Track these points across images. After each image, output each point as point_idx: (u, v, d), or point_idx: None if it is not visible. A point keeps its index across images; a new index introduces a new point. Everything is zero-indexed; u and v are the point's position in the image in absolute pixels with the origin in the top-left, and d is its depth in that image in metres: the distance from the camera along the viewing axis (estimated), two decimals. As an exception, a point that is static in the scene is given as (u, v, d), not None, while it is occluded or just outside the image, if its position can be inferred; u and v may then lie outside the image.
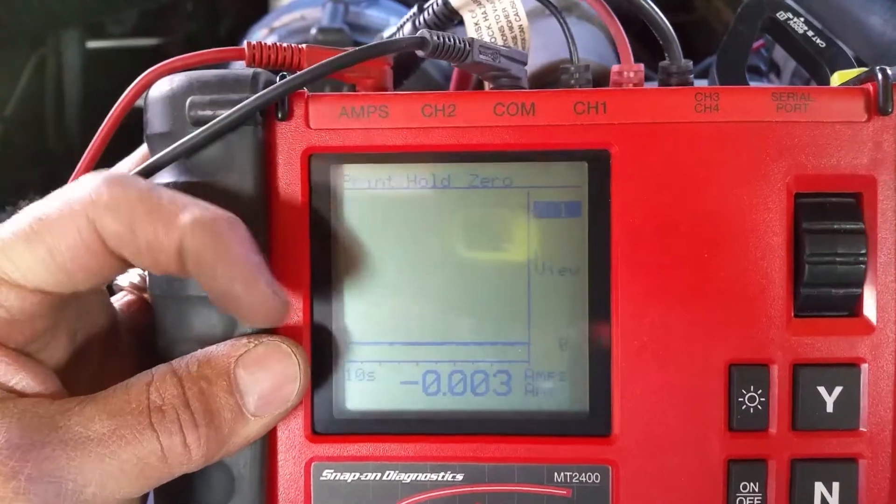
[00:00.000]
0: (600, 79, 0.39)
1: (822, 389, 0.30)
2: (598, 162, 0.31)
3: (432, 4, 0.37)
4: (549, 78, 0.48)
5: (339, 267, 0.31)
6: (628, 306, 0.30)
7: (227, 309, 0.27)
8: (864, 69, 0.32)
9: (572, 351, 0.31)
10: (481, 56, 0.32)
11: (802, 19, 0.35)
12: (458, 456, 0.31)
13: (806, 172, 0.30)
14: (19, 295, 0.26)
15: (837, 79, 0.32)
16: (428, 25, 0.37)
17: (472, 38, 0.32)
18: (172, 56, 0.32)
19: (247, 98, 0.29)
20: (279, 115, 0.30)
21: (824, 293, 0.30)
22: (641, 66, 0.37)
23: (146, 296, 0.34)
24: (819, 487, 0.30)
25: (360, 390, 0.31)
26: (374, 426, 0.31)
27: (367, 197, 0.31)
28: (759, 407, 0.30)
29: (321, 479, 0.31)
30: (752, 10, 0.35)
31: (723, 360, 0.30)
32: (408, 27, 0.39)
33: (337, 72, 0.31)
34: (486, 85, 0.36)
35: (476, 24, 0.37)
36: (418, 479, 0.31)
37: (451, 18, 0.37)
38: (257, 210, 0.30)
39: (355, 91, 0.35)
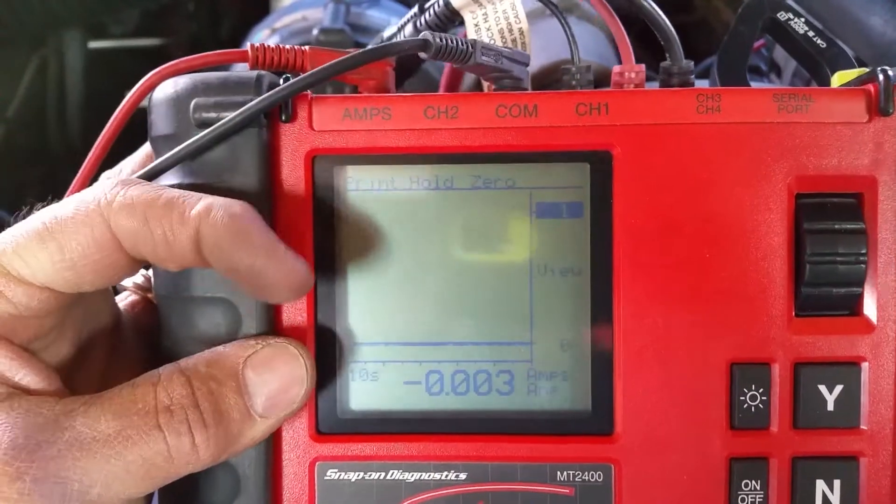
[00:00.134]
0: (601, 79, 0.39)
1: (822, 388, 0.30)
2: (600, 163, 0.31)
3: (433, 5, 0.37)
4: (549, 79, 0.48)
5: (342, 268, 0.31)
6: (630, 306, 0.30)
7: (253, 288, 0.27)
8: (865, 70, 0.32)
9: (574, 351, 0.31)
10: (484, 57, 0.32)
11: (803, 20, 0.35)
12: (461, 455, 0.31)
13: (807, 173, 0.30)
14: (27, 292, 0.26)
15: (838, 79, 0.32)
16: (429, 26, 0.37)
17: (475, 40, 0.32)
18: (174, 56, 0.32)
19: (251, 100, 0.29)
20: (283, 117, 0.31)
21: (825, 292, 0.30)
22: (643, 66, 0.37)
23: (150, 296, 0.34)
24: (820, 485, 0.30)
25: (363, 390, 0.32)
26: (377, 426, 0.31)
27: (370, 198, 0.31)
28: (761, 405, 0.30)
29: (325, 478, 0.31)
30: (752, 10, 0.35)
31: (724, 359, 0.30)
32: (408, 28, 0.39)
33: (340, 74, 0.31)
34: (486, 86, 0.36)
35: (476, 25, 0.37)
36: (422, 478, 0.31)
37: (451, 19, 0.37)
38: (261, 211, 0.30)
39: (357, 92, 0.35)
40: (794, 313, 0.30)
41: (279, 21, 0.69)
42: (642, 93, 0.31)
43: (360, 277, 0.31)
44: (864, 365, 0.30)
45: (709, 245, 0.30)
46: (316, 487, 0.31)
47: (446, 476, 0.31)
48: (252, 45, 0.32)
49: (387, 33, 0.42)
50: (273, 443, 0.31)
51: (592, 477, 0.30)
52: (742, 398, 0.30)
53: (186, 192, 0.27)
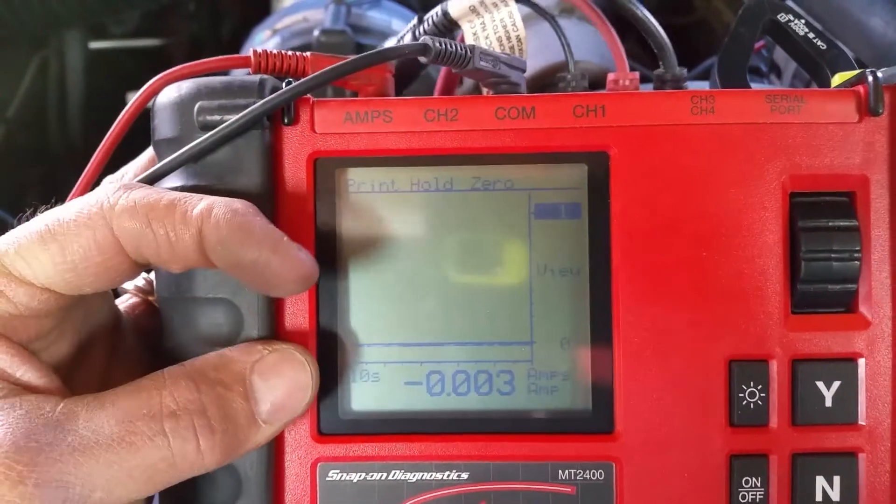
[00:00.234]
0: (601, 80, 0.40)
1: (820, 384, 0.30)
2: (598, 164, 0.31)
3: (432, 15, 0.38)
4: (549, 80, 0.49)
5: (343, 269, 0.32)
6: (629, 305, 0.31)
7: (259, 282, 0.27)
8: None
9: (574, 350, 0.31)
10: (482, 62, 0.32)
11: (803, 21, 0.36)
12: (462, 455, 0.31)
13: (800, 172, 0.31)
14: (28, 292, 0.27)
15: (838, 80, 0.33)
16: (428, 36, 0.38)
17: (473, 45, 0.32)
18: (174, 57, 0.33)
19: (254, 103, 0.30)
20: (285, 120, 0.31)
21: (820, 289, 0.30)
22: (637, 74, 0.37)
23: (151, 299, 0.34)
24: (820, 481, 0.30)
25: (365, 391, 0.32)
26: (379, 426, 0.31)
27: (371, 200, 0.32)
28: (760, 402, 0.30)
29: (327, 479, 0.31)
30: (753, 11, 0.36)
31: (723, 356, 0.30)
32: (408, 38, 0.39)
33: (341, 78, 0.31)
34: (484, 91, 0.37)
35: (475, 34, 0.37)
36: (423, 478, 0.31)
37: (450, 29, 0.38)
38: (263, 212, 0.30)
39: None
40: (790, 310, 0.31)
41: (280, 22, 0.69)
42: (638, 95, 0.31)
43: (361, 278, 0.32)
44: (861, 361, 0.30)
45: (705, 244, 0.31)
46: (318, 488, 0.31)
47: (448, 476, 0.31)
48: (255, 51, 0.33)
49: (388, 44, 0.43)
50: (275, 444, 0.31)
51: (594, 475, 0.31)
52: (741, 395, 0.30)
53: (188, 194, 0.27)
